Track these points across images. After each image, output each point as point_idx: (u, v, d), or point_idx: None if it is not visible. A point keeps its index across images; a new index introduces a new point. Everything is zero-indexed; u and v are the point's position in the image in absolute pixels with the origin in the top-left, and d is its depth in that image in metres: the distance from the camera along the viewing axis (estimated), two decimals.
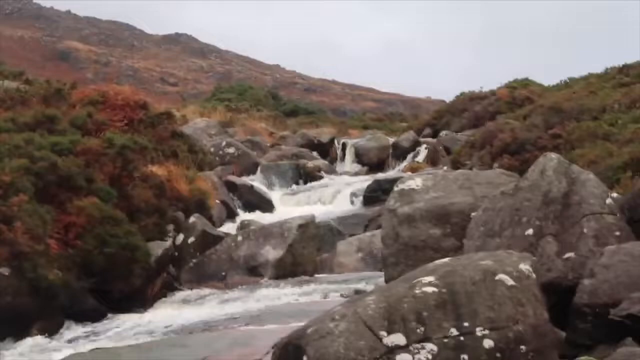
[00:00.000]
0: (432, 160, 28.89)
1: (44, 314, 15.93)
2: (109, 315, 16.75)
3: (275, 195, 27.86)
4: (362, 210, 24.72)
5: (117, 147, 20.21)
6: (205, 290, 18.73)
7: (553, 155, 12.20)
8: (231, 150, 32.72)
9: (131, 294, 17.77)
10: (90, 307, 16.74)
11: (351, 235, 21.93)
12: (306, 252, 20.19)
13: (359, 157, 33.83)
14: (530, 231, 11.08)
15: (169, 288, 19.11)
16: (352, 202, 26.05)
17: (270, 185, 29.08)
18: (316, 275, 19.29)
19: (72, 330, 15.89)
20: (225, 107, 47.15)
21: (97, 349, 13.88)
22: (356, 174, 31.69)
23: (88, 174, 18.53)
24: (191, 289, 19.20)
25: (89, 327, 16.02)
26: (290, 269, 19.54)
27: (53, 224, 16.70)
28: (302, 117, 52.25)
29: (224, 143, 33.57)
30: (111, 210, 17.88)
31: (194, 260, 20.48)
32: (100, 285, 17.14)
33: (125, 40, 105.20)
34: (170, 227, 20.48)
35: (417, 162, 29.37)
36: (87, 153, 19.27)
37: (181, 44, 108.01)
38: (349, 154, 34.38)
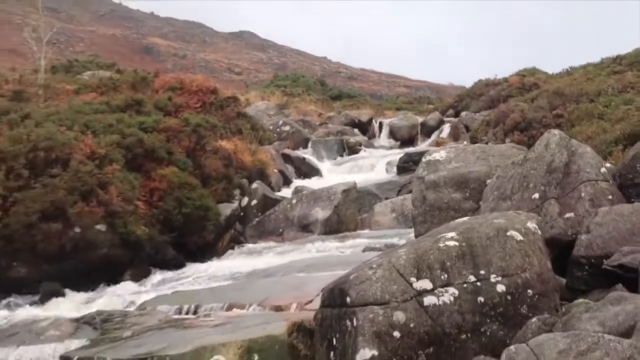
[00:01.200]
0: (454, 136, 28.73)
1: (133, 263, 16.14)
2: (187, 264, 16.93)
3: (323, 165, 27.86)
4: (396, 177, 24.67)
5: (192, 125, 20.39)
6: (266, 244, 18.83)
7: (556, 131, 12.13)
8: (286, 128, 32.74)
9: (204, 246, 17.94)
10: (171, 257, 16.93)
11: (386, 198, 21.92)
12: (349, 212, 20.24)
13: (393, 134, 33.77)
14: (536, 195, 11.05)
15: (235, 242, 19.26)
16: (387, 171, 26.01)
17: (319, 157, 29.03)
18: (357, 232, 19.32)
19: (157, 276, 16.06)
20: (282, 92, 47.02)
21: (177, 291, 14.04)
22: (390, 148, 31.60)
23: (168, 148, 18.71)
24: (254, 242, 19.35)
25: (170, 274, 16.19)
26: (335, 226, 19.60)
27: (140, 189, 16.91)
28: (345, 100, 52.00)
29: (280, 122, 33.62)
30: (187, 177, 18.05)
31: (256, 219, 20.62)
32: (179, 239, 17.33)
33: (198, 37, 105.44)
34: (237, 191, 20.65)
35: (442, 137, 29.23)
36: (167, 130, 19.44)
37: (244, 40, 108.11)
38: (384, 131, 34.31)
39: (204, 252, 17.67)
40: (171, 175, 17.61)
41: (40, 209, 14.82)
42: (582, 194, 10.72)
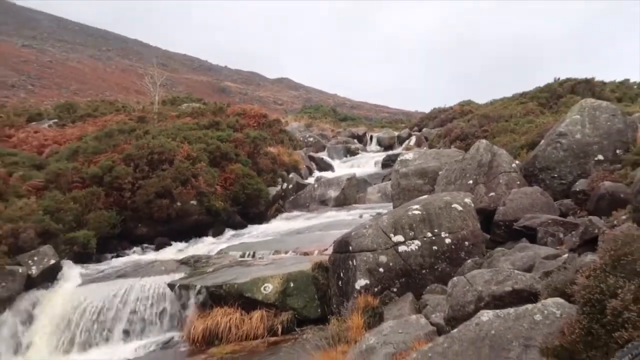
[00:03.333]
0: (418, 144, 28.57)
1: (214, 225, 16.22)
2: (248, 225, 16.98)
3: (335, 162, 27.83)
4: (381, 171, 24.60)
5: (251, 137, 20.39)
6: (298, 213, 18.86)
7: (483, 140, 12.06)
8: (311, 139, 32.79)
9: (259, 214, 17.98)
10: (238, 221, 16.97)
11: (375, 184, 21.93)
12: (351, 192, 20.24)
13: (379, 142, 33.58)
14: (470, 181, 11.00)
15: (279, 211, 19.24)
16: (375, 166, 25.97)
17: (331, 157, 29.00)
18: (356, 205, 19.31)
19: (228, 233, 16.14)
20: (308, 116, 47.07)
21: (242, 243, 14.13)
22: (377, 151, 31.50)
23: (236, 152, 18.74)
24: (290, 212, 19.35)
25: (237, 232, 16.26)
26: (342, 202, 19.64)
27: (218, 178, 16.96)
28: (349, 121, 51.82)
29: (307, 135, 33.69)
30: (248, 171, 18.06)
31: (292, 197, 20.61)
32: (242, 210, 17.37)
33: (255, 81, 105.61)
34: (279, 179, 20.63)
35: (410, 145, 29.02)
36: (235, 141, 19.46)
37: (284, 83, 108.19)
38: (374, 141, 34.16)
39: (259, 218, 17.71)
40: (237, 169, 17.64)
41: (155, 191, 14.95)
42: (500, 181, 10.67)
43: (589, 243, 6.97)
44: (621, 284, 3.76)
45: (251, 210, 17.70)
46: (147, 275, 11.25)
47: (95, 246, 13.30)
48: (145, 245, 14.87)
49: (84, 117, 23.81)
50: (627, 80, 28.29)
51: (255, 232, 16.01)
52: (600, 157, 10.47)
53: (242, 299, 9.39)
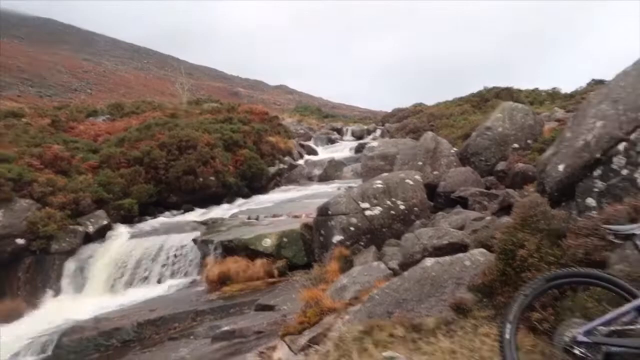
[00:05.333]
0: (382, 135, 28.37)
1: (227, 195, 16.07)
2: (253, 196, 16.83)
3: (319, 149, 27.48)
4: (354, 155, 24.36)
5: (256, 129, 20.17)
6: (291, 187, 18.73)
7: (430, 133, 12.07)
8: (301, 131, 32.42)
9: (261, 187, 17.82)
10: (246, 193, 16.82)
11: (349, 165, 21.77)
12: (331, 171, 20.08)
13: (353, 134, 33.26)
14: (420, 163, 10.96)
15: (277, 186, 19.04)
16: (350, 151, 25.73)
17: (317, 145, 28.64)
18: (335, 180, 19.14)
19: (239, 202, 15.99)
20: (299, 114, 46.64)
21: (249, 209, 14.04)
22: (352, 140, 31.21)
23: (244, 140, 18.50)
24: (285, 186, 19.17)
25: (245, 201, 16.13)
26: (325, 178, 19.48)
27: (231, 160, 16.79)
28: (330, 118, 51.36)
29: (298, 128, 33.41)
30: (253, 154, 17.88)
31: (286, 175, 20.39)
32: (249, 184, 17.23)
33: (260, 87, 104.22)
34: (277, 161, 20.43)
35: (376, 136, 28.83)
36: (244, 132, 19.20)
37: (282, 89, 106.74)
38: (349, 133, 33.87)
39: (261, 190, 17.52)
40: (245, 153, 17.46)
41: (183, 169, 14.78)
42: (442, 162, 10.67)
43: (506, 209, 7.01)
44: (527, 238, 3.78)
45: (255, 184, 17.56)
46: (176, 233, 11.19)
47: (137, 211, 13.24)
48: (175, 210, 14.73)
49: (129, 113, 23.36)
50: (537, 88, 28.47)
51: (258, 201, 15.90)
52: (516, 145, 10.51)
53: (248, 250, 9.39)
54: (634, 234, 2.35)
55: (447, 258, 4.90)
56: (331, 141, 30.75)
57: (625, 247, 2.90)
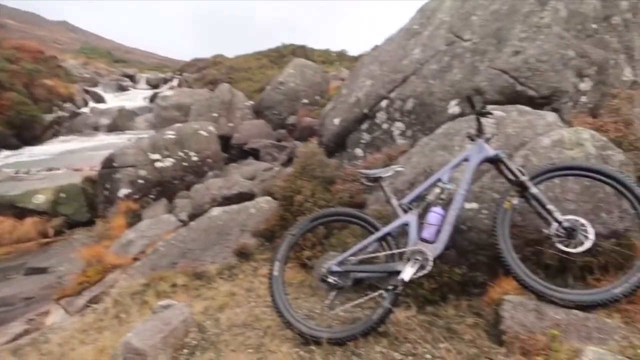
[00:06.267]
0: (180, 85, 26.96)
1: None
2: (24, 147, 14.61)
3: (108, 96, 24.55)
4: (149, 104, 22.52)
5: (27, 69, 17.34)
6: (73, 137, 16.74)
7: (226, 84, 11.99)
8: (87, 75, 28.70)
9: (35, 137, 15.56)
10: (14, 143, 14.55)
11: (143, 115, 20.20)
12: (122, 121, 18.38)
13: (148, 82, 31.01)
14: (215, 114, 10.88)
15: (55, 135, 16.79)
16: (144, 101, 23.65)
17: (105, 92, 25.50)
18: (125, 131, 17.61)
19: (4, 154, 13.67)
20: (85, 56, 41.35)
21: (17, 162, 12.15)
22: (146, 89, 28.87)
23: (11, 81, 15.74)
24: (66, 136, 17.01)
25: (13, 152, 13.89)
26: (114, 128, 17.78)
27: None
28: (123, 63, 46.76)
29: (83, 72, 29.55)
30: (23, 99, 15.39)
31: (68, 124, 17.97)
32: (18, 133, 14.88)
33: (34, 22, 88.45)
34: (56, 108, 17.96)
35: (173, 85, 27.26)
36: (10, 71, 16.31)
37: (64, 26, 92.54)
38: (143, 80, 31.46)
39: (34, 141, 15.26)
40: (13, 97, 14.90)
41: None
42: (237, 115, 10.77)
43: (293, 160, 7.48)
44: (305, 185, 4.09)
45: (26, 134, 15.23)
46: None
47: None
48: None
49: None
50: (329, 49, 30.38)
51: (30, 153, 13.88)
52: (306, 100, 11.17)
53: (15, 209, 8.17)
54: (380, 177, 2.73)
55: (235, 207, 5.04)
56: (122, 89, 28.13)
57: (378, 190, 3.37)
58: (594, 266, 2.51)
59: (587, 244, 2.29)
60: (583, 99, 3.62)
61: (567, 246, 2.34)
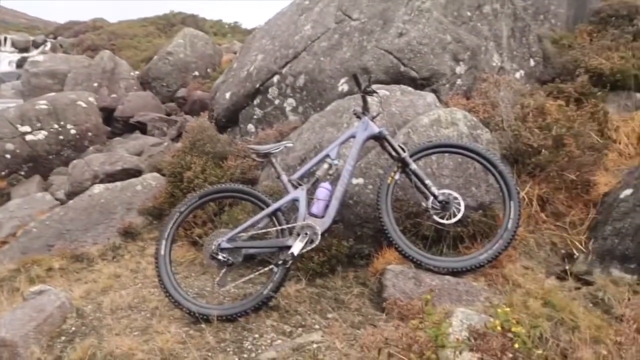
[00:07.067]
0: (53, 49, 24.10)
1: None
2: None
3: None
4: (15, 70, 20.14)
5: None
6: None
7: (107, 51, 11.10)
8: None
9: None
10: None
11: (9, 81, 18.00)
12: None
13: (14, 45, 27.17)
14: (95, 84, 10.00)
15: None
16: (9, 65, 21.08)
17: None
18: None
19: None
20: None
21: None
22: (12, 52, 25.61)
23: None
24: None
25: None
26: None
27: None
28: None
29: None
30: None
31: None
32: None
33: None
34: None
35: (46, 50, 24.45)
36: None
37: None
38: (8, 42, 27.68)
39: None
40: None
41: None
42: (121, 85, 10.00)
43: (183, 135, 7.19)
44: (195, 161, 3.95)
45: None
46: None
47: None
48: None
49: None
50: (221, 20, 29.32)
51: None
52: (197, 73, 10.70)
53: None
54: (270, 153, 2.72)
55: (118, 184, 4.74)
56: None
57: (269, 166, 3.37)
58: (465, 235, 2.76)
59: (459, 216, 2.51)
60: (458, 81, 3.91)
61: (442, 218, 2.54)
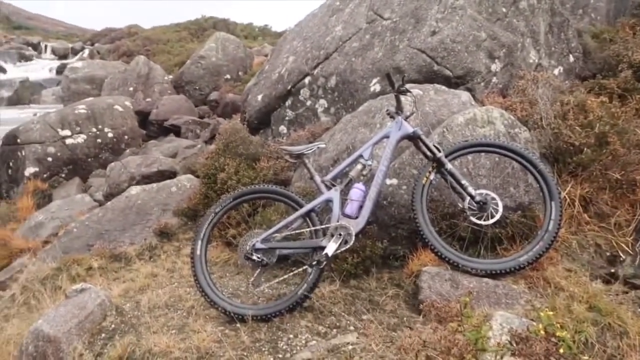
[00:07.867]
0: (91, 56, 24.96)
1: None
2: None
3: (8, 66, 22.25)
4: (55, 76, 20.80)
5: None
6: None
7: (142, 56, 11.37)
8: None
9: None
10: None
11: (50, 87, 18.62)
12: (25, 94, 16.87)
13: (54, 52, 28.35)
14: (131, 88, 10.30)
15: None
16: (50, 72, 21.74)
17: (5, 61, 23.31)
18: (31, 105, 16.03)
19: None
20: None
21: None
22: (53, 59, 26.60)
23: None
24: None
25: None
26: (16, 101, 16.18)
27: None
28: (24, 30, 42.70)
29: None
30: None
31: None
32: None
33: None
34: None
35: (84, 56, 25.22)
36: None
37: None
38: (49, 50, 28.79)
39: None
40: None
41: None
42: (155, 89, 10.26)
43: (216, 137, 7.29)
44: (228, 162, 3.99)
45: None
46: None
47: None
48: None
49: None
50: (252, 23, 29.64)
51: None
52: (229, 76, 10.85)
53: None
54: (303, 154, 2.72)
55: (154, 185, 4.83)
56: (25, 58, 25.62)
57: (302, 167, 3.36)
58: (503, 237, 2.69)
59: (497, 217, 2.44)
60: (494, 79, 3.81)
61: (479, 219, 2.48)
